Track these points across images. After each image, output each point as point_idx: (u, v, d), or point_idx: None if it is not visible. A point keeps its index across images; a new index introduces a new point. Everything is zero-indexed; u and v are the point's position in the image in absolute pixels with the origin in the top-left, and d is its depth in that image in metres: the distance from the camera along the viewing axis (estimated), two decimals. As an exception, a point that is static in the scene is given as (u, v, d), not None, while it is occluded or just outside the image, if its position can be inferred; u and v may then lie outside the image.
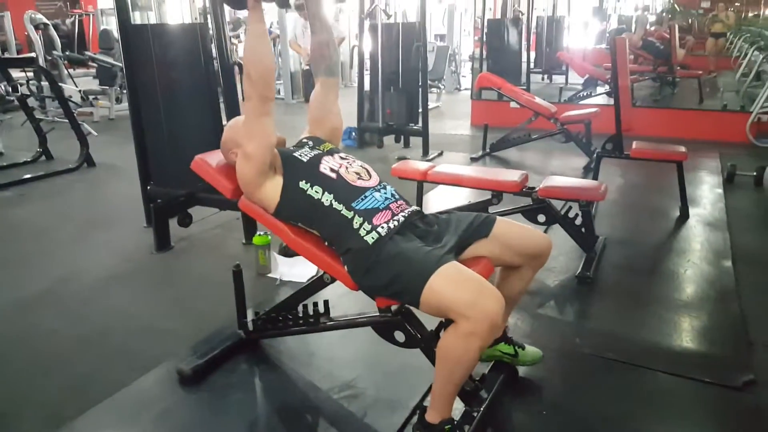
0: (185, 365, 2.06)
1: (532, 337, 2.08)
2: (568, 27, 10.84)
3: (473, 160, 5.30)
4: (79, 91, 7.02)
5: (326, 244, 1.80)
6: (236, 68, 4.65)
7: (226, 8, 3.09)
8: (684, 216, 3.54)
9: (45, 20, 7.50)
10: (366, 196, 1.73)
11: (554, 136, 5.05)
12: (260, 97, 1.69)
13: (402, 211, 1.74)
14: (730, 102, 6.83)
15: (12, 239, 3.54)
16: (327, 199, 1.71)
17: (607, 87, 7.62)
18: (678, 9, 18.12)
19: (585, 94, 7.57)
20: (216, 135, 3.30)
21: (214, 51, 3.22)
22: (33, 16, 7.38)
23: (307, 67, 5.67)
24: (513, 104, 6.31)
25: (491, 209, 3.03)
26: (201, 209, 3.46)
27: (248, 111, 1.71)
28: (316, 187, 1.73)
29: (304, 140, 1.96)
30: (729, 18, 12.29)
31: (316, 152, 1.85)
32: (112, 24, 9.75)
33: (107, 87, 7.55)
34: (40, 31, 7.42)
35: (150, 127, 3.47)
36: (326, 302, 2.04)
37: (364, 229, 1.66)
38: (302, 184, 1.74)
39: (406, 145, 6.02)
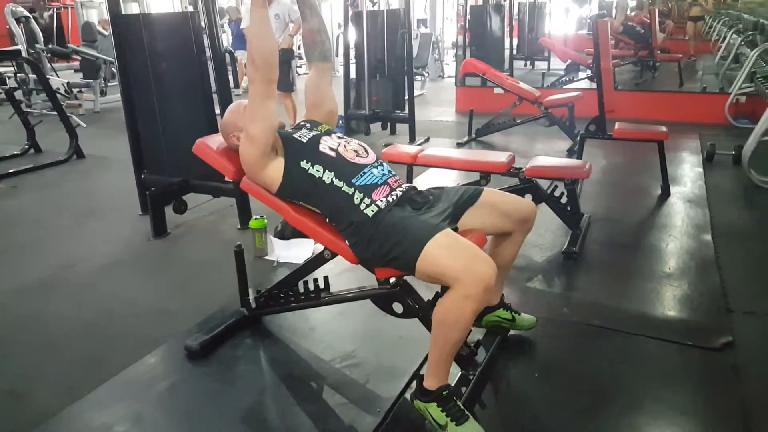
0: (192, 341, 2.14)
1: (522, 309, 2.18)
2: (549, 13, 10.93)
3: (459, 145, 5.40)
4: (66, 83, 7.00)
5: (327, 221, 1.89)
6: (227, 56, 4.68)
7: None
8: (665, 194, 3.67)
9: (26, 13, 7.44)
10: (365, 173, 1.81)
11: (538, 120, 5.17)
12: (264, 80, 1.75)
13: (399, 185, 1.84)
14: (709, 84, 6.99)
15: (9, 229, 3.58)
16: (328, 176, 1.80)
17: (588, 72, 7.77)
18: (657, -7, 18.36)
19: (567, 79, 7.69)
20: (209, 123, 3.37)
21: (205, 39, 3.27)
22: (14, 9, 7.32)
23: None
24: (497, 90, 6.42)
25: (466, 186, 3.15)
26: (195, 196, 3.52)
27: (253, 94, 1.78)
28: (317, 166, 1.81)
29: (302, 123, 2.04)
30: (708, 2, 12.51)
31: (314, 133, 1.93)
32: (92, 16, 9.71)
33: (91, 80, 7.53)
34: (22, 25, 7.36)
35: (143, 116, 3.52)
36: (326, 278, 2.12)
37: (364, 203, 1.75)
38: (303, 164, 1.82)
39: (393, 132, 6.10)
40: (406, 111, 5.77)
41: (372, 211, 1.74)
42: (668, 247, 2.98)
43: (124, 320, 2.43)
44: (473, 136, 5.49)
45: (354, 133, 6.03)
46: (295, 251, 3.00)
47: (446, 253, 1.57)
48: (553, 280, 2.66)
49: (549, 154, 4.81)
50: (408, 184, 1.88)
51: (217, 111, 3.32)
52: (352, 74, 5.93)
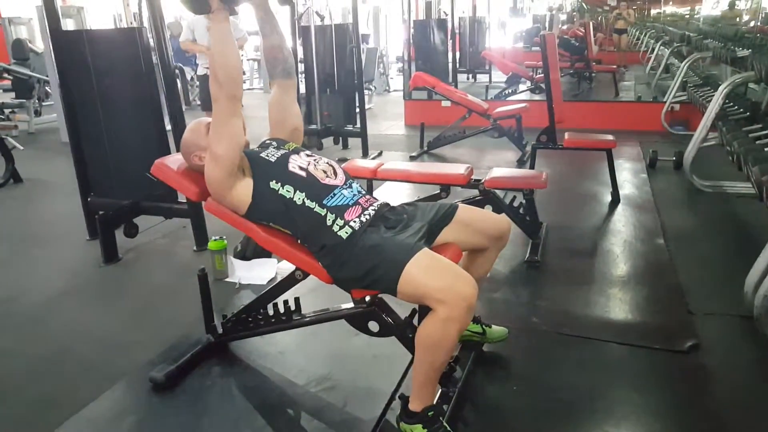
0: (156, 372, 2.04)
1: (492, 320, 2.19)
2: (488, 27, 11.21)
3: (412, 158, 5.43)
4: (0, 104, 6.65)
5: (299, 242, 1.84)
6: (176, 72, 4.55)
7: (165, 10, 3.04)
8: (615, 200, 3.80)
9: (-50, 31, 7.04)
10: (335, 194, 1.78)
11: (487, 132, 5.26)
12: (229, 97, 1.68)
13: (371, 204, 1.81)
14: (643, 94, 7.32)
15: (-59, 262, 3.34)
16: (299, 197, 1.75)
17: (529, 83, 8.01)
18: (586, 7, 19.22)
19: (510, 91, 7.89)
20: (159, 142, 3.26)
21: (154, 56, 3.17)
22: (-64, 26, 6.91)
23: (206, 71, 5.30)
24: (445, 103, 6.51)
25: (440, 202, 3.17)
26: (146, 218, 3.39)
27: (217, 112, 1.70)
28: (287, 187, 1.76)
29: (267, 141, 1.99)
30: (630, 15, 13.22)
31: (282, 152, 1.88)
32: (22, 33, 9.27)
33: (24, 100, 7.18)
34: (-55, 42, 6.96)
35: (88, 136, 3.36)
36: (297, 299, 2.07)
37: (337, 224, 1.71)
38: (273, 184, 1.77)
39: (345, 146, 6.08)
40: (358, 125, 5.77)
41: (346, 233, 1.70)
42: (625, 252, 3.07)
43: (78, 355, 2.29)
44: (425, 148, 5.53)
45: (306, 148, 5.93)
46: (258, 272, 2.93)
47: (426, 273, 1.55)
48: (519, 290, 2.69)
49: (500, 165, 4.88)
50: (380, 202, 1.86)
51: (168, 129, 3.22)
52: (302, 89, 5.88)
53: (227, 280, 2.92)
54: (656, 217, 3.50)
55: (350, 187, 1.84)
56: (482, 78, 10.42)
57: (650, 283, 2.72)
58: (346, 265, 1.69)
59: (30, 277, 3.05)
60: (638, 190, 4.08)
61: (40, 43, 7.36)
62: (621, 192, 3.90)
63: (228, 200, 1.81)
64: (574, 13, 18.93)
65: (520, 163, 4.90)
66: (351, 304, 1.88)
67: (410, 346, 1.80)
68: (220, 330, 2.22)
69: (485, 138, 5.40)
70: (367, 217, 1.74)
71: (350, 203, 1.77)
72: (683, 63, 5.76)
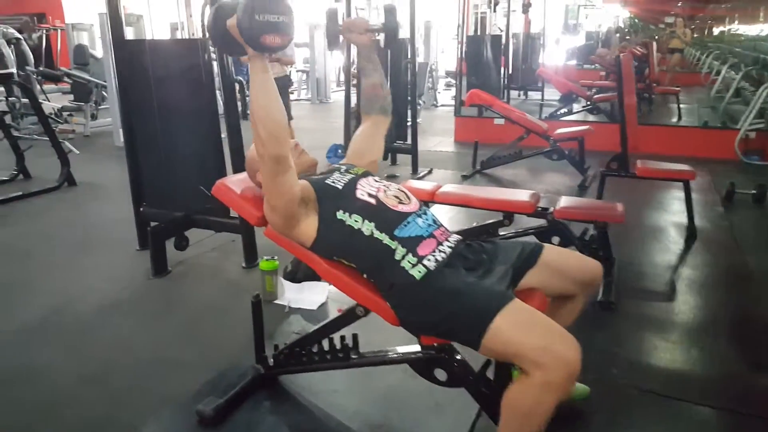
0: (205, 405, 1.92)
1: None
2: (543, 44, 10.97)
3: (464, 177, 5.25)
4: (58, 108, 6.78)
5: (364, 276, 1.70)
6: (236, 86, 4.51)
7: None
8: (692, 235, 3.52)
9: (17, 35, 7.24)
10: (408, 222, 1.63)
11: (545, 154, 5.05)
12: (273, 158, 1.47)
13: (446, 239, 1.66)
14: (708, 118, 6.96)
15: (-4, 264, 3.34)
16: (368, 228, 1.61)
17: (586, 103, 7.75)
18: (639, 25, 18.68)
19: (566, 110, 7.65)
20: (216, 155, 3.19)
21: (215, 67, 3.11)
22: (5, 30, 7.11)
23: None
24: (498, 121, 6.34)
25: (502, 230, 3.00)
26: (196, 231, 3.32)
27: (265, 171, 1.54)
28: (354, 216, 1.62)
29: (335, 167, 1.86)
30: (686, 34, 12.69)
31: (349, 177, 1.74)
32: (83, 39, 9.51)
33: (82, 103, 7.31)
34: (12, 46, 7.15)
35: (144, 145, 3.32)
36: (355, 336, 1.93)
37: (409, 261, 1.56)
38: (340, 214, 1.63)
39: (393, 162, 5.95)
40: (409, 141, 5.63)
41: (419, 272, 1.54)
42: (708, 295, 2.82)
43: (123, 375, 2.21)
44: (478, 168, 5.35)
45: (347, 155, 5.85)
46: (308, 295, 2.81)
47: (520, 329, 1.38)
48: (593, 335, 2.47)
49: (559, 190, 4.69)
50: (456, 236, 1.70)
51: (225, 144, 3.15)
52: (354, 102, 5.79)
53: (276, 302, 2.81)
54: (740, 257, 3.23)
55: (424, 214, 1.69)
56: (533, 95, 10.19)
57: (744, 335, 2.47)
58: (418, 309, 1.54)
59: (78, 286, 3.00)
60: (714, 225, 3.80)
61: (100, 48, 7.49)
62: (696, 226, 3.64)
63: (293, 237, 1.69)
64: (627, 30, 18.48)
65: (581, 189, 4.67)
66: (416, 347, 1.73)
67: (484, 402, 1.65)
68: (270, 361, 2.09)
69: (542, 160, 5.19)
70: (443, 255, 1.59)
71: (424, 235, 1.61)
72: (761, 89, 5.42)
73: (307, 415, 1.97)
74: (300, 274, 2.95)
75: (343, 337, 1.92)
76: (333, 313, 2.66)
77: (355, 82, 5.84)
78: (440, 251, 1.59)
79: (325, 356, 1.95)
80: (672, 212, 3.85)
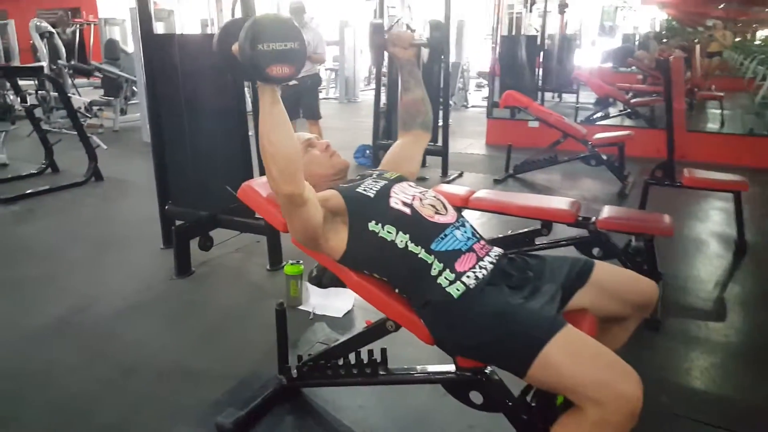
0: (224, 417, 1.83)
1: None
2: (579, 45, 10.70)
3: (497, 182, 5.09)
4: (89, 103, 6.80)
5: (397, 291, 1.58)
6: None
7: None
8: (741, 250, 3.31)
9: (51, 29, 7.29)
10: (446, 235, 1.49)
11: (583, 159, 4.86)
12: (287, 196, 1.36)
13: (487, 253, 1.52)
14: (754, 125, 6.67)
15: (21, 260, 3.30)
16: (402, 240, 1.48)
17: (623, 107, 7.51)
18: (677, 27, 18.14)
19: (603, 114, 7.42)
20: (243, 154, 3.10)
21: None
22: (39, 24, 7.17)
23: (294, 82, 5.08)
24: (532, 123, 6.15)
25: (539, 240, 2.85)
26: (220, 231, 3.24)
27: (281, 203, 1.43)
28: (388, 227, 1.49)
29: (368, 172, 1.74)
30: (726, 38, 12.24)
31: (382, 183, 1.61)
32: (115, 34, 9.57)
33: (112, 98, 7.33)
34: (45, 40, 7.20)
35: (171, 142, 3.25)
36: (383, 350, 1.81)
37: (446, 278, 1.43)
38: (372, 225, 1.50)
39: (423, 164, 5.79)
40: (439, 143, 5.50)
41: (457, 290, 1.41)
42: (761, 316, 2.63)
43: (143, 380, 2.13)
44: (511, 172, 5.19)
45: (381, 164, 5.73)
46: (334, 302, 2.70)
47: (574, 360, 1.23)
48: (639, 357, 2.31)
49: (597, 197, 4.50)
50: (498, 250, 1.57)
51: (253, 142, 3.05)
52: (383, 101, 5.68)
53: (300, 308, 2.71)
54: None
55: (463, 226, 1.55)
56: (567, 98, 9.95)
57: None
58: (457, 329, 1.41)
59: (101, 285, 2.94)
60: (765, 239, 3.58)
61: (131, 43, 7.52)
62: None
63: (321, 250, 1.57)
64: (664, 33, 17.99)
65: (621, 197, 4.48)
66: (450, 366, 1.60)
67: (523, 429, 1.51)
68: (294, 373, 1.99)
69: (576, 165, 4.99)
70: (484, 271, 1.45)
71: (463, 249, 1.48)
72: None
73: (330, 431, 1.86)
74: (326, 279, 2.81)
75: (370, 352, 1.80)
76: (359, 322, 2.56)
77: (385, 81, 5.74)
78: (481, 267, 1.46)
79: (351, 371, 1.83)
80: (718, 224, 3.64)
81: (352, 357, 1.83)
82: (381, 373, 1.79)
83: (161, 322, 2.60)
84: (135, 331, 2.49)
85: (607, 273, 1.55)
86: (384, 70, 5.66)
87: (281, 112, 1.31)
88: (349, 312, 2.65)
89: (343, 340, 1.89)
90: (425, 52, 1.89)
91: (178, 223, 3.18)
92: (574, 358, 1.24)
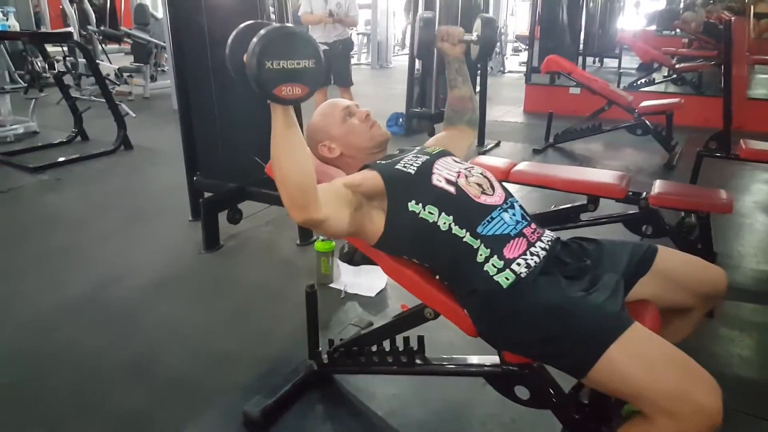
0: (252, 406, 1.73)
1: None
2: (623, 7, 10.20)
3: (536, 152, 4.88)
4: (117, 69, 6.73)
5: (437, 277, 1.44)
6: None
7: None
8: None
9: (80, -7, 7.21)
10: (493, 218, 1.34)
11: (628, 128, 4.60)
12: (304, 222, 1.23)
13: (538, 238, 1.36)
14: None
15: (49, 231, 3.25)
16: (445, 222, 1.33)
17: (669, 72, 7.13)
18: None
19: (647, 80, 7.06)
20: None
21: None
22: (68, -12, 7.08)
23: (325, 47, 4.91)
24: (573, 90, 5.88)
25: (584, 216, 2.67)
26: (249, 204, 3.13)
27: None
28: (429, 207, 1.34)
29: (408, 148, 1.59)
30: (775, -4, 11.50)
31: (424, 158, 1.46)
32: (146, -2, 9.45)
33: (142, 64, 7.25)
34: (75, 5, 7.12)
35: (199, 112, 3.13)
36: (420, 338, 1.68)
37: (494, 265, 1.29)
38: (412, 205, 1.35)
39: (458, 132, 5.60)
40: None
41: (506, 279, 1.26)
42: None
43: (167, 363, 2.04)
44: (551, 141, 4.95)
45: (416, 133, 5.56)
46: (366, 280, 2.58)
47: (642, 365, 1.09)
48: (695, 348, 2.14)
49: (643, 168, 4.28)
50: (550, 236, 1.41)
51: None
52: (418, 68, 5.46)
53: (332, 285, 2.59)
54: None
55: (512, 207, 1.40)
56: (609, 63, 9.53)
57: None
58: (506, 324, 1.27)
59: (128, 259, 2.87)
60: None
61: (161, 8, 7.39)
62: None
63: (356, 236, 1.44)
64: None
65: (668, 168, 4.23)
66: (494, 358, 1.47)
67: (574, 429, 1.38)
68: (325, 358, 1.88)
69: (620, 134, 4.73)
70: (536, 259, 1.30)
71: (512, 233, 1.33)
72: None
73: (364, 423, 1.75)
74: (358, 256, 2.69)
75: (406, 339, 1.68)
76: (392, 302, 2.45)
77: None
78: (532, 254, 1.31)
79: (385, 359, 1.72)
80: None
81: (386, 344, 1.72)
82: (418, 362, 1.67)
83: (188, 299, 2.52)
84: (160, 311, 2.40)
85: (671, 260, 1.39)
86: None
87: (295, 135, 1.17)
88: (382, 291, 2.53)
89: (376, 327, 1.76)
90: (475, 49, 1.77)
91: (206, 195, 3.08)
92: (644, 361, 1.09)
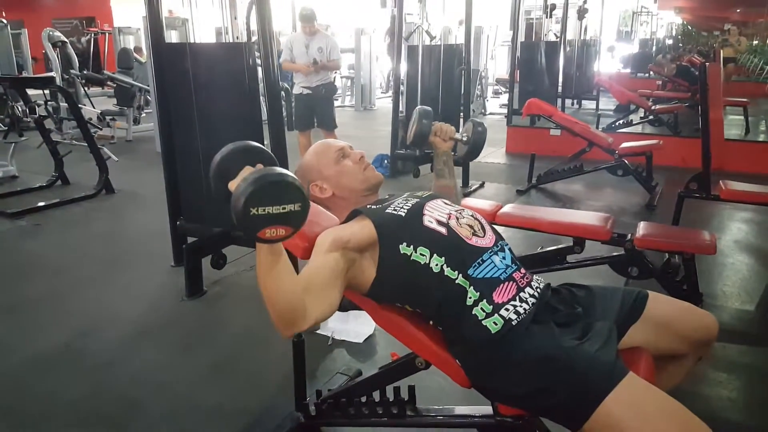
0: (236, 463, 1.66)
1: None
2: (598, 51, 10.49)
3: (520, 192, 4.91)
4: (99, 113, 6.71)
5: (430, 323, 1.41)
6: (282, 93, 4.30)
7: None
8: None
9: (63, 38, 7.23)
10: (483, 260, 1.33)
11: (609, 169, 4.66)
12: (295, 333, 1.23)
13: (528, 284, 1.35)
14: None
15: (27, 278, 3.16)
16: (436, 263, 1.31)
17: (645, 114, 7.29)
18: (693, 33, 17.81)
19: (625, 121, 7.21)
20: (257, 168, 2.95)
21: (260, 73, 2.87)
22: (51, 33, 7.11)
23: (308, 92, 5.11)
24: (554, 132, 5.97)
25: (571, 258, 2.66)
26: (234, 248, 3.09)
27: None
28: (421, 249, 1.32)
29: (397, 193, 1.58)
30: (740, 43, 11.94)
31: (414, 200, 1.45)
32: (129, 43, 9.52)
33: (125, 107, 7.24)
34: (58, 49, 7.14)
35: (183, 155, 3.11)
36: (411, 388, 1.64)
37: (483, 309, 1.27)
38: (404, 248, 1.33)
39: (442, 174, 5.63)
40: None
41: (495, 324, 1.24)
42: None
43: (148, 418, 1.96)
44: (534, 182, 5.00)
45: (401, 174, 5.58)
46: (354, 326, 2.53)
47: (639, 416, 1.07)
48: (681, 389, 2.12)
49: (624, 209, 4.31)
50: (539, 279, 1.39)
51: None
52: (402, 108, 5.52)
53: (318, 332, 2.54)
54: None
55: (502, 250, 1.38)
56: (587, 104, 9.75)
57: None
58: (498, 375, 1.24)
59: (109, 306, 2.80)
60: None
61: (146, 53, 7.45)
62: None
63: (348, 290, 1.41)
64: (680, 38, 17.67)
65: (649, 208, 4.28)
66: (487, 408, 1.43)
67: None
68: (312, 410, 1.82)
69: (601, 175, 4.79)
70: (526, 305, 1.28)
71: (502, 277, 1.31)
72: None
73: (353, 479, 1.69)
74: (345, 301, 2.66)
75: (397, 389, 1.63)
76: (381, 348, 2.40)
77: (403, 89, 5.59)
78: (521, 300, 1.29)
79: (375, 410, 1.67)
80: (759, 239, 3.41)
81: (376, 395, 1.67)
82: (409, 413, 1.62)
83: (169, 349, 2.44)
84: (140, 361, 2.33)
85: (662, 306, 1.38)
86: (402, 78, 5.51)
87: (281, 262, 1.13)
88: (370, 337, 2.48)
89: (366, 377, 1.72)
90: (462, 148, 1.84)
91: (189, 239, 3.04)
92: (640, 414, 1.07)
